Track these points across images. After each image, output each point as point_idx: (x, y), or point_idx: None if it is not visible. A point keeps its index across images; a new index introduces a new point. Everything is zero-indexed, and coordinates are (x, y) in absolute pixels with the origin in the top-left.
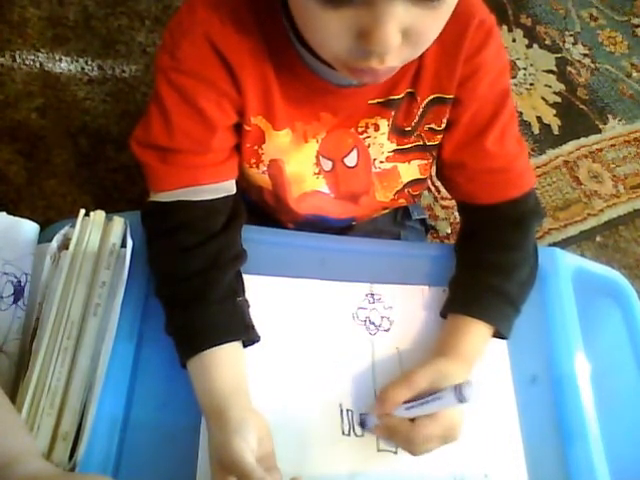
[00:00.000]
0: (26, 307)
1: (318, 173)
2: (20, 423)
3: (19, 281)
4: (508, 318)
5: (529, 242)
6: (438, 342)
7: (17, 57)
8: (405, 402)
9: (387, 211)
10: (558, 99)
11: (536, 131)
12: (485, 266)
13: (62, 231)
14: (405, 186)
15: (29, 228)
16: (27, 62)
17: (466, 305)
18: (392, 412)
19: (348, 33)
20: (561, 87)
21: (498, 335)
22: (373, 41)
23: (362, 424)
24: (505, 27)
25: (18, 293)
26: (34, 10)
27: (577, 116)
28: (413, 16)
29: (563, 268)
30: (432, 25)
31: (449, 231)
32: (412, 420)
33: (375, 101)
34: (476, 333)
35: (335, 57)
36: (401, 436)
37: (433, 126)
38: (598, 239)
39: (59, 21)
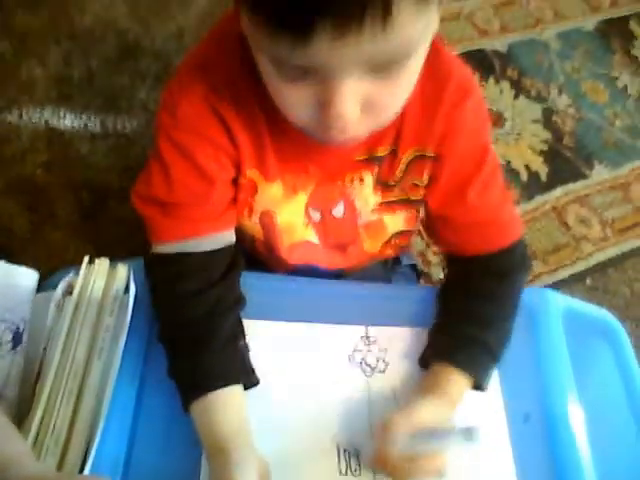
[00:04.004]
0: (25, 353)
1: (307, 224)
2: (13, 429)
3: (17, 327)
4: (488, 370)
5: (514, 296)
6: (423, 386)
7: (24, 115)
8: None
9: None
10: (545, 147)
11: (524, 178)
12: (470, 317)
13: (66, 278)
14: (392, 237)
15: (27, 275)
16: (33, 120)
17: (450, 355)
18: (392, 443)
19: (308, 105)
20: (547, 136)
21: (476, 386)
22: (330, 116)
23: (357, 454)
24: (492, 79)
25: (17, 340)
26: (41, 70)
27: (564, 163)
28: (369, 89)
29: (553, 308)
30: (392, 95)
31: (442, 276)
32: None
33: (360, 157)
34: (456, 381)
35: (302, 125)
36: (398, 470)
37: (416, 181)
38: (588, 282)
39: (64, 80)
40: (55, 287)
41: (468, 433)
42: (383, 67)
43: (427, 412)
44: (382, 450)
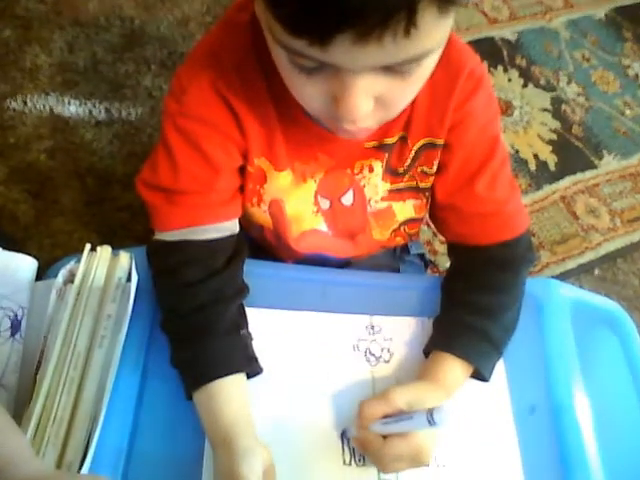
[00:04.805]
0: (23, 340)
1: (317, 212)
2: (12, 426)
3: (16, 315)
4: (490, 359)
5: (517, 287)
6: (419, 373)
7: (28, 102)
8: (382, 418)
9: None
10: (554, 136)
11: (533, 168)
12: (471, 307)
13: (67, 266)
14: (401, 224)
15: (25, 263)
16: (38, 106)
17: (448, 343)
18: (368, 426)
19: (322, 97)
20: (556, 125)
21: (479, 376)
22: (343, 109)
23: (344, 434)
24: (501, 68)
25: (15, 327)
26: (45, 57)
27: (573, 152)
28: (383, 85)
29: (560, 298)
30: (405, 91)
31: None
32: (385, 437)
33: (370, 144)
34: (450, 366)
35: (314, 114)
36: (372, 451)
37: (425, 169)
38: (596, 272)
39: (69, 67)
40: (56, 276)
41: (430, 416)
42: (400, 66)
43: (402, 396)
44: (359, 434)
